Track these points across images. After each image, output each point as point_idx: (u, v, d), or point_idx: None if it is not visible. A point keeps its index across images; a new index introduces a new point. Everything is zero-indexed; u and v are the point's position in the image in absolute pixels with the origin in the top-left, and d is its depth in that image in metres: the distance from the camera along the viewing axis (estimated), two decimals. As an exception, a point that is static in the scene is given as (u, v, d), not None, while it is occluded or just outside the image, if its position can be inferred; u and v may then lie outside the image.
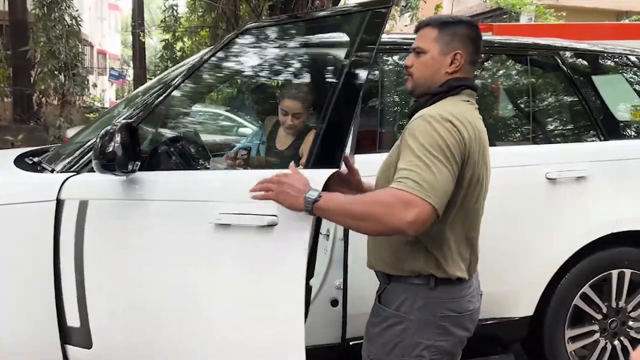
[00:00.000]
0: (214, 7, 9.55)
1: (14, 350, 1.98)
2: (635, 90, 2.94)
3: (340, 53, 1.95)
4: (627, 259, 2.58)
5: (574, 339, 2.60)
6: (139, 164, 1.87)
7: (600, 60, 2.91)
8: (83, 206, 1.92)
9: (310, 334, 2.32)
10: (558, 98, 2.77)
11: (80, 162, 2.03)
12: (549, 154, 2.57)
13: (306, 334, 2.31)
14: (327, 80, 2.14)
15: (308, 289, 1.73)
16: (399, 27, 14.40)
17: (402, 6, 11.90)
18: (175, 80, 2.09)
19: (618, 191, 2.58)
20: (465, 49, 1.49)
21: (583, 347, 2.64)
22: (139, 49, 15.16)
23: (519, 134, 2.75)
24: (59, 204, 1.93)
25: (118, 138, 1.75)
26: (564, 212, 2.50)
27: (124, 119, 1.99)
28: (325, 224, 2.33)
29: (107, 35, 28.01)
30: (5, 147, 8.74)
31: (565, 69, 2.66)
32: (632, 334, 2.65)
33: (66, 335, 1.96)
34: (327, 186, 1.59)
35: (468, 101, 1.50)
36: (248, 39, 2.18)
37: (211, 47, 2.30)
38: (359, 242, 2.26)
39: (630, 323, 2.64)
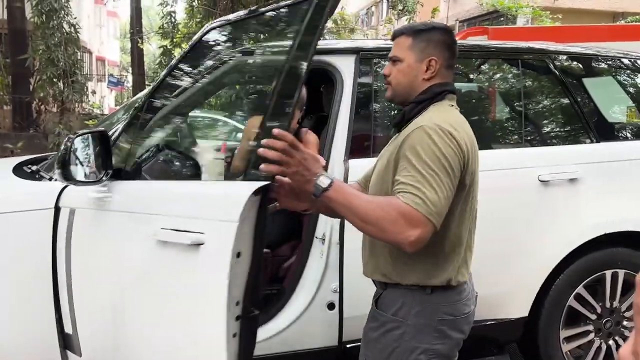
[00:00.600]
0: (211, 13, 9.61)
1: (16, 356, 2.00)
2: (626, 92, 2.98)
3: (285, 47, 1.81)
4: (621, 259, 2.61)
5: (569, 339, 2.63)
6: (110, 172, 1.87)
7: (591, 63, 2.94)
8: (72, 214, 1.96)
9: (308, 337, 2.36)
10: (550, 101, 2.80)
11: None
12: (541, 156, 2.60)
13: (303, 338, 2.35)
14: (270, 78, 1.93)
15: (250, 316, 1.52)
16: (396, 31, 14.44)
17: (399, 10, 11.96)
18: (150, 88, 2.10)
19: (610, 192, 2.61)
20: (440, 54, 1.52)
21: (578, 347, 2.67)
22: (137, 55, 15.20)
23: (511, 137, 2.78)
24: (57, 211, 1.96)
25: (75, 147, 1.78)
26: (556, 213, 2.53)
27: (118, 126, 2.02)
28: (321, 228, 2.35)
29: (105, 42, 28.09)
30: (4, 155, 8.77)
31: (557, 73, 2.70)
32: (627, 333, 2.67)
33: (66, 342, 1.99)
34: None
35: (453, 105, 1.53)
36: (213, 38, 2.14)
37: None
38: (354, 246, 2.30)
39: (625, 323, 2.67)
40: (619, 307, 2.66)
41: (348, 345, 2.37)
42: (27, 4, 10.70)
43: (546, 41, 3.46)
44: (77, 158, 1.88)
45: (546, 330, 2.58)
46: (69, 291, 1.96)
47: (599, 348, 2.66)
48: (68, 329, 1.98)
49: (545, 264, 2.53)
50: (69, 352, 2.00)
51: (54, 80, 10.37)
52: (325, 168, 2.37)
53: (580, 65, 2.91)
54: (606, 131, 2.75)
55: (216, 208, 1.57)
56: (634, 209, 2.63)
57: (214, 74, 2.24)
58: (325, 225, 2.34)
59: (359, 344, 2.37)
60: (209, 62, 2.22)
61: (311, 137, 2.70)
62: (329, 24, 11.67)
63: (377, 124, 2.51)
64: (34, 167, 2.39)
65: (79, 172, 1.86)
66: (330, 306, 2.35)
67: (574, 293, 2.59)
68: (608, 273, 2.61)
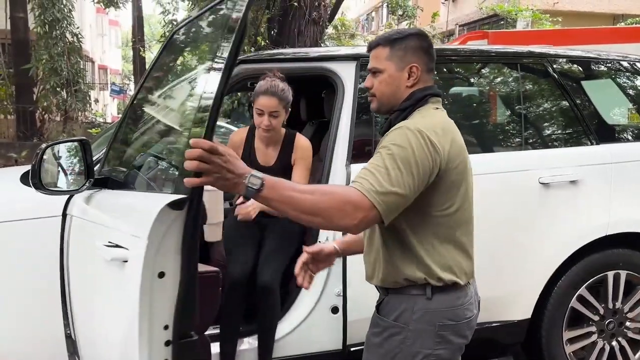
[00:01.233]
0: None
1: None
2: (626, 94, 3.00)
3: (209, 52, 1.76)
4: (622, 260, 2.63)
5: (572, 340, 2.64)
6: (92, 180, 1.87)
7: (589, 66, 2.97)
8: (69, 221, 2.00)
9: (312, 341, 2.38)
10: (549, 104, 2.82)
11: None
12: (542, 159, 2.62)
13: (308, 341, 2.37)
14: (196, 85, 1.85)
15: (186, 342, 1.41)
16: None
17: (399, 15, 12.03)
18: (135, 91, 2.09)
19: (611, 194, 2.63)
20: (420, 60, 1.53)
21: (581, 349, 2.68)
22: (139, 63, 15.30)
23: (512, 140, 2.80)
24: (64, 219, 2.00)
25: (45, 156, 1.78)
26: (557, 215, 2.55)
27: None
28: (324, 233, 2.38)
29: (107, 50, 28.27)
30: (9, 164, 8.82)
31: (555, 76, 2.73)
32: (630, 334, 2.69)
33: (74, 346, 2.01)
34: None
35: (437, 108, 1.55)
36: (176, 40, 2.12)
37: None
38: (357, 250, 2.32)
39: (628, 324, 2.68)
40: (622, 308, 2.67)
41: (352, 349, 2.39)
42: (30, 14, 10.80)
43: (546, 44, 3.50)
44: (60, 166, 1.90)
45: (549, 332, 2.60)
46: (69, 297, 1.99)
47: (602, 349, 2.67)
48: (72, 333, 2.00)
49: (547, 266, 2.55)
50: (76, 358, 2.02)
51: (57, 89, 10.46)
52: (328, 173, 2.41)
53: (579, 68, 2.93)
54: (606, 133, 2.77)
55: (135, 223, 1.50)
56: (635, 210, 2.65)
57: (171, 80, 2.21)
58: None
59: (363, 347, 2.42)
60: (173, 70, 2.21)
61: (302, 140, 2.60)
62: (329, 29, 11.72)
63: (378, 129, 2.54)
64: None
65: (61, 180, 1.88)
66: (334, 310, 2.38)
67: (576, 294, 2.60)
68: (610, 274, 2.62)
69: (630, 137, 2.89)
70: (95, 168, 2.00)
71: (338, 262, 2.35)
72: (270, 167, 2.50)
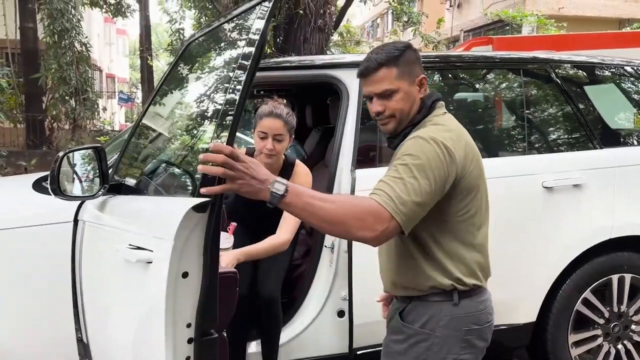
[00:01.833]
0: (219, 30, 9.73)
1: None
2: (629, 98, 3.02)
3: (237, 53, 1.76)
4: (627, 263, 2.64)
5: (577, 343, 2.66)
6: (107, 187, 1.92)
7: (592, 71, 2.99)
8: (81, 227, 2.05)
9: (319, 344, 2.41)
10: (552, 109, 2.85)
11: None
12: (545, 163, 2.64)
13: (315, 345, 2.40)
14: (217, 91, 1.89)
15: (207, 339, 1.45)
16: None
17: (404, 21, 12.06)
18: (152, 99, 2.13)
19: (615, 197, 2.64)
20: (421, 69, 1.56)
21: (587, 352, 2.69)
22: (147, 72, 15.45)
23: (515, 145, 2.83)
24: (76, 224, 2.05)
25: (61, 164, 1.82)
26: (561, 219, 2.57)
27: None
28: (330, 237, 2.41)
29: (115, 59, 28.50)
30: (18, 172, 8.92)
31: (558, 81, 2.75)
32: (635, 337, 2.70)
33: (85, 350, 2.05)
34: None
35: (445, 113, 1.58)
36: (192, 49, 2.18)
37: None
38: (362, 254, 2.36)
39: (633, 327, 2.69)
40: (627, 312, 2.68)
41: (359, 352, 2.42)
42: (40, 24, 10.96)
43: (550, 50, 3.52)
44: (75, 173, 1.95)
45: (555, 335, 2.61)
46: (82, 301, 2.03)
47: (608, 352, 2.68)
48: (84, 337, 2.05)
49: (552, 270, 2.57)
50: (88, 361, 2.06)
51: (66, 98, 10.59)
52: (333, 178, 2.45)
53: (581, 74, 2.96)
54: (609, 137, 2.79)
55: (158, 225, 1.55)
56: (639, 213, 2.67)
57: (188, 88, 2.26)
58: (334, 234, 2.39)
59: (369, 350, 2.45)
60: (189, 77, 2.26)
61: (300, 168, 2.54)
62: (335, 36, 11.78)
63: (382, 134, 2.56)
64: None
65: (76, 187, 1.93)
66: (340, 313, 2.40)
67: (581, 298, 2.62)
68: (615, 277, 2.64)
69: (633, 141, 2.90)
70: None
71: (344, 266, 2.39)
72: None
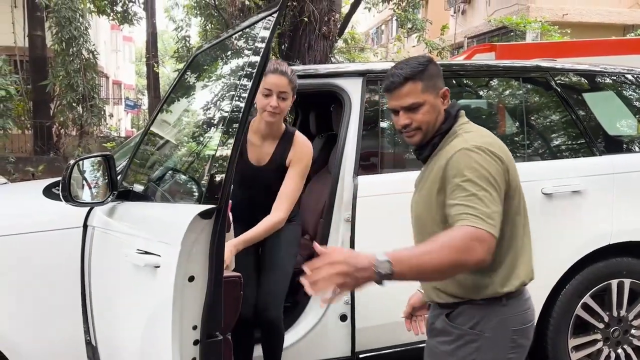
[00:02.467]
0: (224, 37, 9.82)
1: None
2: (628, 106, 3.06)
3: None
4: (626, 269, 2.68)
5: (577, 347, 2.68)
6: (116, 193, 1.98)
7: (591, 79, 3.03)
8: (90, 232, 2.11)
9: (322, 347, 2.45)
10: (552, 117, 2.89)
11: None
12: (544, 170, 2.68)
13: (317, 349, 2.44)
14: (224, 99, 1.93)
15: (213, 341, 1.50)
16: (406, 49, 14.63)
17: (409, 28, 12.12)
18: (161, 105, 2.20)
19: (613, 204, 2.68)
20: (443, 81, 1.61)
21: (587, 356, 2.72)
22: (153, 79, 15.59)
23: (515, 152, 2.87)
24: (85, 230, 2.11)
25: (83, 169, 1.90)
26: (560, 225, 2.61)
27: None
28: (332, 242, 2.46)
29: (121, 66, 28.72)
30: (26, 178, 9.03)
31: (558, 89, 2.80)
32: (635, 342, 2.72)
33: (93, 352, 2.11)
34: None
35: (468, 121, 1.62)
36: (199, 58, 2.25)
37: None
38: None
39: (633, 331, 2.72)
40: (627, 316, 2.71)
41: (361, 355, 2.47)
42: (48, 32, 11.09)
43: (551, 57, 3.56)
44: (84, 180, 2.01)
45: (554, 339, 2.64)
46: (90, 304, 2.09)
47: (608, 356, 2.70)
48: (93, 340, 2.10)
49: (552, 274, 2.60)
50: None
51: (73, 104, 10.70)
52: (335, 184, 2.50)
53: (581, 81, 3.00)
54: (608, 144, 2.83)
55: (166, 231, 1.60)
56: (638, 219, 2.70)
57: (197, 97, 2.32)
58: (337, 239, 2.45)
59: (371, 354, 2.49)
60: (197, 86, 2.33)
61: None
62: (340, 43, 11.86)
63: (384, 142, 2.62)
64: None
65: (85, 193, 1.99)
66: (343, 317, 2.45)
67: (581, 302, 2.65)
68: (614, 282, 2.67)
69: (632, 148, 2.94)
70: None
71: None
72: (262, 168, 2.34)
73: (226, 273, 1.62)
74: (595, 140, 2.76)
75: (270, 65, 2.25)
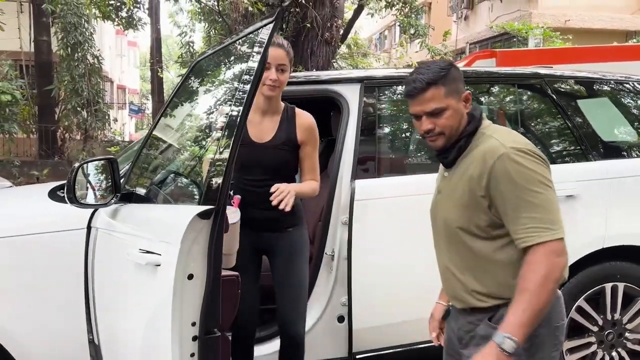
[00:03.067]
0: (228, 43, 9.91)
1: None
2: (623, 112, 3.10)
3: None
4: (620, 272, 2.71)
5: (572, 350, 2.72)
6: (119, 195, 2.04)
7: (587, 86, 3.07)
8: (94, 233, 2.17)
9: (319, 348, 2.50)
10: (547, 123, 2.94)
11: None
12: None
13: (315, 349, 2.49)
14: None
15: (210, 337, 1.56)
16: (409, 54, 14.69)
17: (411, 34, 12.19)
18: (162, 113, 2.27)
19: (607, 208, 2.72)
20: (463, 85, 1.59)
21: (582, 358, 2.75)
22: (157, 83, 15.70)
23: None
24: (89, 231, 2.17)
25: (87, 172, 1.95)
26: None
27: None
28: (330, 245, 2.51)
29: (126, 70, 28.89)
30: (31, 182, 9.11)
31: (554, 96, 2.85)
32: (630, 345, 2.76)
33: (96, 351, 2.16)
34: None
35: (490, 122, 1.64)
36: (201, 64, 2.32)
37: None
38: (362, 261, 2.46)
39: (627, 335, 2.75)
40: (621, 319, 2.74)
41: (358, 356, 2.51)
42: (53, 37, 11.21)
43: (549, 64, 3.61)
44: (89, 182, 2.07)
45: (549, 341, 2.67)
46: (93, 303, 2.15)
47: (602, 359, 2.74)
48: (96, 339, 2.16)
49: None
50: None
51: (78, 109, 10.81)
52: (334, 188, 2.55)
53: (576, 88, 3.05)
54: (602, 150, 2.87)
55: (166, 231, 1.65)
56: (631, 223, 2.74)
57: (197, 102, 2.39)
58: (334, 241, 2.50)
59: (368, 354, 2.54)
60: (197, 92, 2.40)
61: None
62: (343, 48, 11.93)
63: (381, 146, 2.68)
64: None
65: (89, 195, 2.05)
66: (340, 319, 2.50)
67: (575, 306, 2.68)
68: (608, 286, 2.70)
69: (626, 154, 2.98)
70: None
71: (343, 273, 2.48)
72: (266, 144, 2.25)
73: (224, 272, 1.67)
74: (589, 146, 2.81)
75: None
